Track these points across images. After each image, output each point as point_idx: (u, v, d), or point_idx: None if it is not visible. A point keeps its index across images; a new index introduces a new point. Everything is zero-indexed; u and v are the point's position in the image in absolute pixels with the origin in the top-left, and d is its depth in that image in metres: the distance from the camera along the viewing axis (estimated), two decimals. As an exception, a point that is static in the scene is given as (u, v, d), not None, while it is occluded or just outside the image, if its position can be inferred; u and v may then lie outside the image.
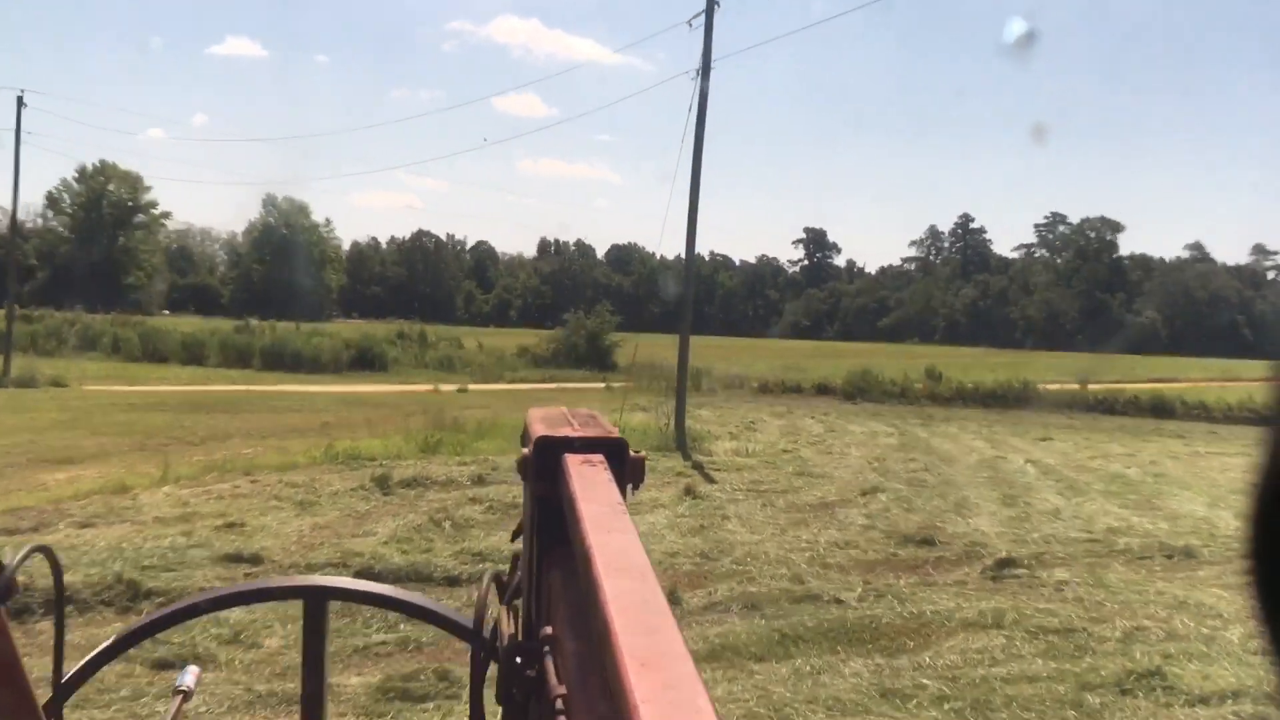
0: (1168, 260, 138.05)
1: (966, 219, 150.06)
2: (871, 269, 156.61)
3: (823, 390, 38.23)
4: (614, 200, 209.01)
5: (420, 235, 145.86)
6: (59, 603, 2.02)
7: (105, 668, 2.37)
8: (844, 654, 7.02)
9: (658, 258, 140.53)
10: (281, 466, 14.83)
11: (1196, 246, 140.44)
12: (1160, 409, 34.66)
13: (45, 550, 1.87)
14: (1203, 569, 10.16)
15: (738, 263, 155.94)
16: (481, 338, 60.38)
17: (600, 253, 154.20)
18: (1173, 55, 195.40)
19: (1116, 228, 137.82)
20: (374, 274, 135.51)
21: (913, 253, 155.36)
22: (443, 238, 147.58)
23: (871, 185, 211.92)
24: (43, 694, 1.90)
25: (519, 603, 1.61)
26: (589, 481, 1.23)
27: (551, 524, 1.33)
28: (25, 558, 1.73)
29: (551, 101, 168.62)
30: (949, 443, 22.36)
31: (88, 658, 2.26)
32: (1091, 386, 39.76)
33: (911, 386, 38.37)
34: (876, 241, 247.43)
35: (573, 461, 1.32)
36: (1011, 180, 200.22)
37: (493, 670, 1.49)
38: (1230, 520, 12.86)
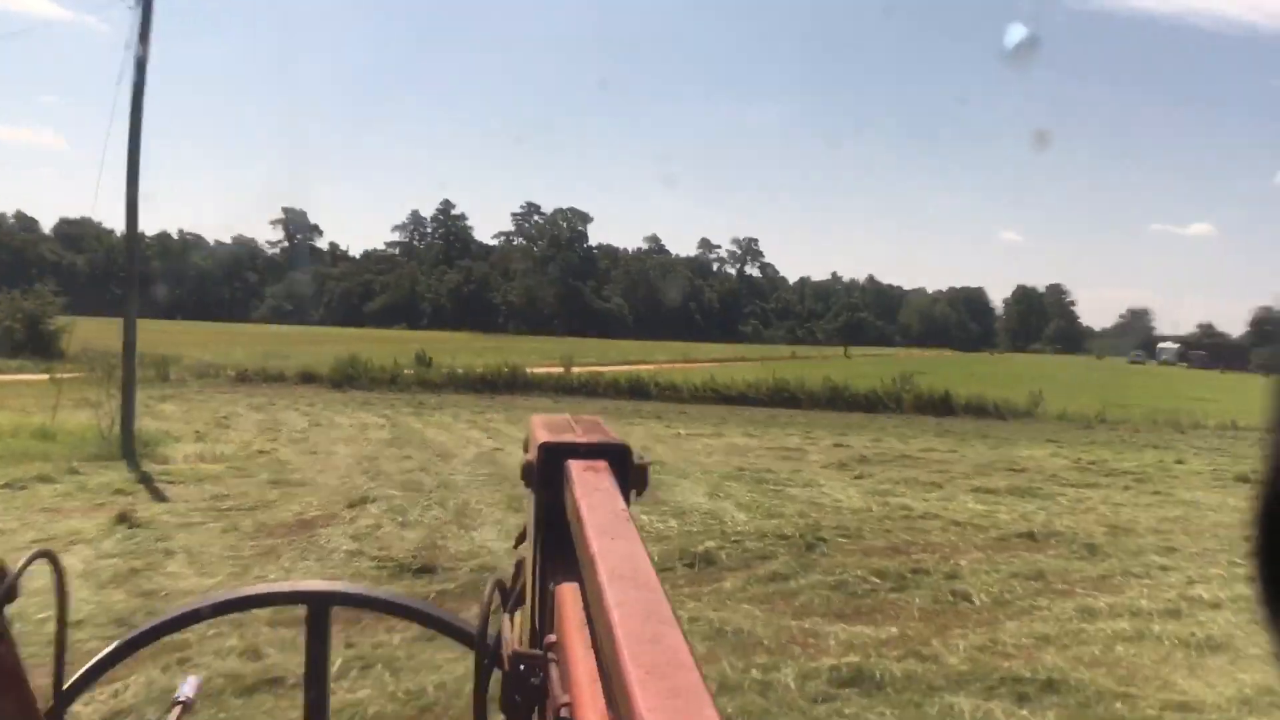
0: (630, 251, 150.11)
1: (448, 205, 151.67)
2: (355, 252, 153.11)
3: (308, 378, 35.36)
4: (62, 170, 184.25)
5: None
6: (61, 608, 1.91)
7: (105, 675, 2.26)
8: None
9: (117, 235, 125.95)
10: None
11: (653, 239, 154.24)
12: (637, 390, 36.00)
13: (48, 555, 1.83)
14: (726, 578, 9.27)
15: (212, 243, 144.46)
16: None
17: (47, 227, 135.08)
18: (622, 65, 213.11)
19: (585, 219, 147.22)
20: None
21: (396, 237, 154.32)
22: None
23: (352, 166, 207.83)
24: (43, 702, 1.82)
25: (521, 610, 1.54)
26: (591, 488, 1.21)
27: (555, 531, 1.30)
28: (28, 563, 1.70)
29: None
30: (444, 434, 20.81)
31: (89, 665, 2.14)
32: (574, 370, 40.71)
33: (402, 373, 36.85)
34: (360, 224, 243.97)
35: (576, 468, 1.29)
36: (489, 168, 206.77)
37: (496, 678, 1.39)
38: (734, 512, 12.46)
